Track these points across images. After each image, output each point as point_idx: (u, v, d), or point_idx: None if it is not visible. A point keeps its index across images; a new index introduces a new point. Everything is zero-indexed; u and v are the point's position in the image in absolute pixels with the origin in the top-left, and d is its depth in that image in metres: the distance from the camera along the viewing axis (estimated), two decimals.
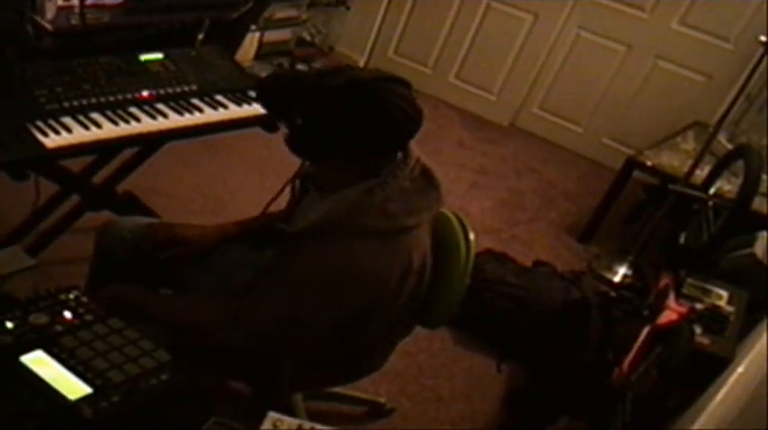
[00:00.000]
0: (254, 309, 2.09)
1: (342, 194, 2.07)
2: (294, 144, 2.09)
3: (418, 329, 2.49)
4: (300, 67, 6.07)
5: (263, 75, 5.45)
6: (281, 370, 2.28)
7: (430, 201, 2.17)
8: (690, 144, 4.92)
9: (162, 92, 2.77)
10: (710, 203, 4.16)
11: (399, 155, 2.12)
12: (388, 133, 2.02)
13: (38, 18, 2.57)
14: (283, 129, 2.14)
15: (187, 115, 2.76)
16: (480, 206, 4.86)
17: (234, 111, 2.89)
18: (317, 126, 2.01)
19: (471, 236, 2.37)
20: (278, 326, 2.08)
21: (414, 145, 2.16)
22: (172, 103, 2.76)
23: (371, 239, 2.03)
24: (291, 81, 2.15)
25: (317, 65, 6.20)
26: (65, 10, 2.63)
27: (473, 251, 2.38)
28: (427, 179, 2.17)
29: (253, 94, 2.98)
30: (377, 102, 1.98)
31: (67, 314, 1.75)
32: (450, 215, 2.38)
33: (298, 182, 2.33)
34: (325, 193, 2.16)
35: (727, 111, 4.13)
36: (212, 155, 4.41)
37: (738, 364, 2.75)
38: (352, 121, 1.98)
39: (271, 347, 2.18)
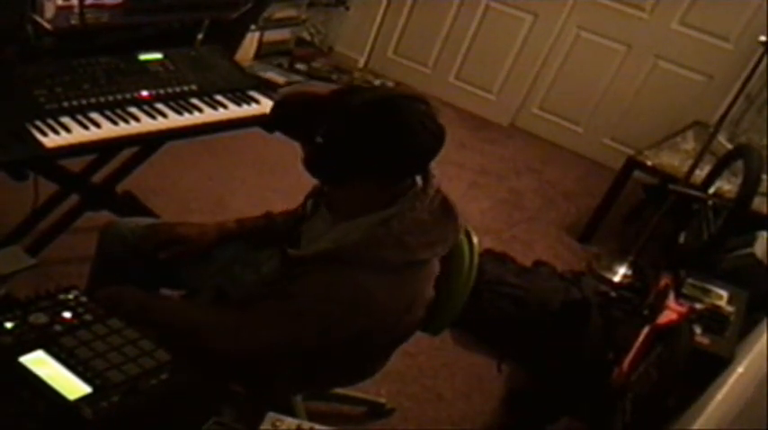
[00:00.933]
0: (254, 330, 2.05)
1: (357, 222, 2.00)
2: (313, 165, 2.05)
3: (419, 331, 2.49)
4: (300, 67, 6.08)
5: (266, 75, 5.48)
6: (277, 380, 2.27)
7: (447, 234, 2.10)
8: (690, 144, 4.92)
9: (161, 92, 2.77)
10: (710, 203, 4.16)
11: (419, 182, 2.06)
12: (412, 153, 1.96)
13: (37, 18, 2.57)
14: (299, 150, 2.08)
15: (187, 115, 2.75)
16: (480, 206, 4.86)
17: (233, 110, 2.89)
18: (338, 146, 1.95)
19: (475, 241, 2.36)
20: (276, 348, 2.05)
21: (435, 171, 2.10)
22: (171, 103, 2.76)
23: (384, 272, 1.98)
24: (310, 100, 2.11)
25: (317, 65, 6.21)
26: (64, 10, 2.63)
27: (477, 258, 2.37)
28: (445, 211, 2.10)
29: (253, 93, 2.98)
30: (401, 121, 1.92)
31: (67, 314, 1.74)
32: None
33: (311, 201, 2.29)
34: (338, 218, 2.08)
35: (727, 111, 4.13)
36: (212, 155, 4.41)
37: (738, 364, 2.75)
38: (375, 141, 1.92)
39: (267, 363, 2.16)
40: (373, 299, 1.99)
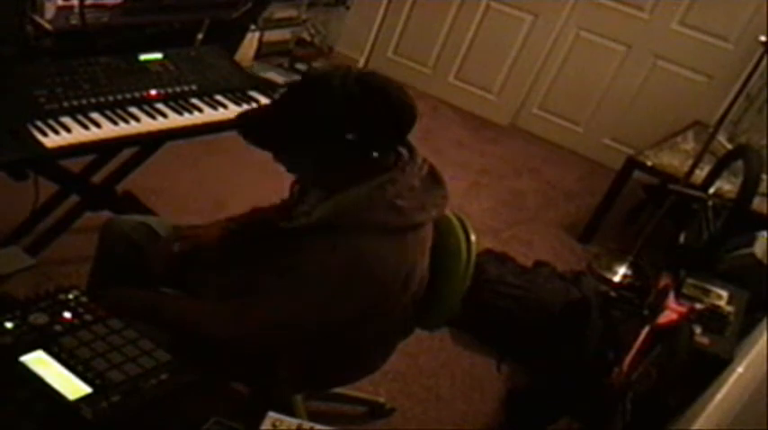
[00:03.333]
0: (255, 308, 2.06)
1: (350, 191, 2.03)
2: (297, 159, 2.12)
3: (418, 330, 2.49)
4: (300, 67, 6.08)
5: (267, 75, 5.47)
6: (279, 372, 2.27)
7: (437, 199, 2.15)
8: (690, 144, 4.92)
9: (161, 91, 2.77)
10: (710, 203, 4.16)
11: (405, 152, 2.11)
12: (396, 120, 2.03)
13: (37, 18, 2.57)
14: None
15: (186, 115, 2.76)
16: (480, 206, 4.86)
17: (233, 110, 2.88)
18: (328, 127, 2.00)
19: (473, 237, 2.37)
20: (279, 325, 2.06)
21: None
22: (171, 103, 2.76)
23: (381, 235, 2.01)
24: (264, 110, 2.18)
25: (317, 65, 6.21)
26: (64, 10, 2.63)
27: (474, 253, 2.37)
28: (434, 178, 2.16)
29: (253, 93, 2.99)
30: (384, 94, 2.00)
31: (67, 314, 1.75)
32: (452, 217, 2.37)
33: (297, 187, 2.31)
34: (331, 192, 2.10)
35: (727, 111, 4.13)
36: (212, 155, 4.41)
37: (738, 364, 2.75)
38: (364, 115, 1.98)
39: (268, 348, 2.17)
40: (372, 262, 2.01)
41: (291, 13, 5.83)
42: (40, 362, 1.59)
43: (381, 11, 6.36)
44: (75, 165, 2.98)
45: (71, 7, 2.64)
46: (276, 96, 2.18)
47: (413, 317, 2.33)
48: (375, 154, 2.03)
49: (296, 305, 2.04)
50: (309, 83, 2.11)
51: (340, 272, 1.99)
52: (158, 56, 2.89)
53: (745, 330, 3.08)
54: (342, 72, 2.02)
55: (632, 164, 4.61)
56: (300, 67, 6.09)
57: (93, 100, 2.57)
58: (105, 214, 3.11)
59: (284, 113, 2.08)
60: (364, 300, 2.08)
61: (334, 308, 2.05)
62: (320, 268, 2.00)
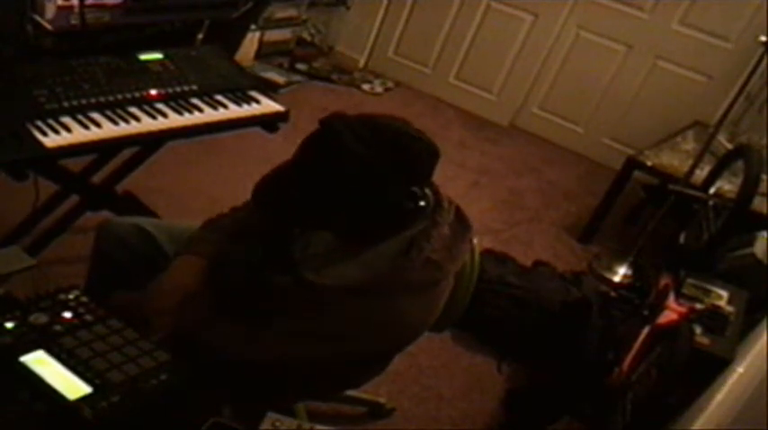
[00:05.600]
0: (272, 344, 2.02)
1: (380, 249, 1.97)
2: (334, 222, 2.02)
3: None
4: (301, 67, 6.08)
5: (267, 75, 5.46)
6: (287, 386, 2.25)
7: (466, 244, 2.12)
8: (690, 144, 4.92)
9: (162, 92, 2.76)
10: (710, 203, 4.16)
11: (430, 195, 2.03)
12: (414, 168, 1.94)
13: (38, 18, 2.57)
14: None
15: (187, 115, 2.75)
16: (480, 206, 4.86)
17: (234, 110, 2.88)
18: (350, 192, 1.90)
19: (475, 241, 2.35)
20: (292, 360, 2.03)
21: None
22: (172, 103, 2.76)
23: (417, 293, 1.98)
24: (277, 178, 2.03)
25: (317, 65, 6.21)
26: (64, 10, 2.63)
27: (478, 258, 2.36)
28: (462, 222, 2.10)
29: (253, 93, 2.99)
30: (395, 141, 1.89)
31: (67, 314, 1.74)
32: None
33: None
34: (354, 244, 2.03)
35: (727, 111, 4.13)
36: (212, 155, 4.41)
37: (738, 364, 2.75)
38: (379, 169, 1.87)
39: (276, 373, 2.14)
40: (407, 319, 2.00)
41: (292, 12, 5.84)
42: (41, 362, 1.58)
43: (382, 11, 6.36)
44: (74, 164, 2.98)
45: (71, 7, 2.64)
46: (292, 171, 2.01)
47: None
48: (402, 204, 1.95)
49: (322, 351, 2.00)
50: (324, 152, 1.92)
51: (372, 330, 1.97)
52: (158, 56, 2.89)
53: (746, 330, 3.08)
54: (350, 126, 1.89)
55: (632, 164, 4.61)
56: (301, 66, 6.10)
57: (93, 100, 2.57)
58: (105, 214, 3.11)
59: (305, 189, 1.95)
60: (391, 347, 2.13)
61: (356, 355, 2.05)
62: (355, 329, 1.96)
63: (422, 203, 1.98)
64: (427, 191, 2.02)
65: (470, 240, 2.15)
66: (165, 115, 2.69)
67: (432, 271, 1.97)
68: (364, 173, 1.87)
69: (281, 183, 2.02)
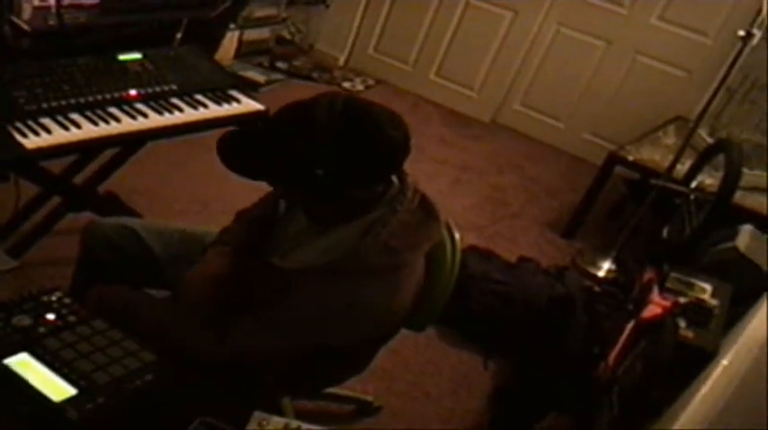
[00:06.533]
0: (242, 337, 2.05)
1: (341, 233, 2.01)
2: (293, 192, 2.10)
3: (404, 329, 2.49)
4: (281, 65, 6.07)
5: (247, 74, 5.45)
6: (264, 378, 2.26)
7: (430, 234, 2.11)
8: (671, 138, 4.94)
9: (141, 92, 2.75)
10: (692, 197, 4.18)
11: (396, 183, 2.06)
12: (387, 155, 1.96)
13: (14, 18, 2.55)
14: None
15: (167, 115, 2.74)
16: (463, 203, 4.86)
17: (214, 110, 2.88)
18: (317, 164, 1.92)
19: (457, 236, 2.36)
20: (265, 354, 2.07)
21: (407, 171, 2.10)
22: (152, 103, 2.75)
23: (375, 277, 1.99)
24: (246, 134, 2.12)
25: (297, 63, 6.20)
26: (41, 10, 2.61)
27: (459, 252, 2.36)
28: (426, 210, 2.11)
29: (233, 93, 2.98)
30: (372, 126, 1.92)
31: (51, 316, 1.73)
32: None
33: (281, 202, 2.29)
34: (320, 228, 2.08)
35: (707, 105, 4.15)
36: (194, 155, 4.39)
37: (723, 357, 2.75)
38: (352, 150, 1.91)
39: (250, 368, 2.17)
40: (367, 304, 2.00)
41: (271, 11, 5.82)
42: (24, 365, 1.57)
43: (361, 8, 6.37)
44: (55, 166, 2.96)
45: (48, 7, 2.62)
46: (260, 124, 2.11)
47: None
48: (364, 188, 1.99)
49: (286, 338, 2.04)
50: (294, 114, 2.00)
51: (331, 313, 1.99)
52: (137, 56, 2.87)
53: (730, 323, 3.10)
54: (328, 100, 1.94)
55: (614, 159, 4.62)
56: (281, 65, 6.09)
57: (72, 101, 2.56)
58: (88, 215, 3.09)
59: (267, 145, 2.02)
60: (358, 334, 2.10)
61: (320, 341, 2.07)
62: (315, 311, 1.99)
63: (381, 189, 2.02)
64: (393, 178, 2.07)
65: (437, 229, 2.14)
66: (145, 115, 2.68)
67: (389, 256, 1.99)
68: (337, 150, 1.91)
69: (247, 134, 2.17)
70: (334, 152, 1.91)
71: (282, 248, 2.14)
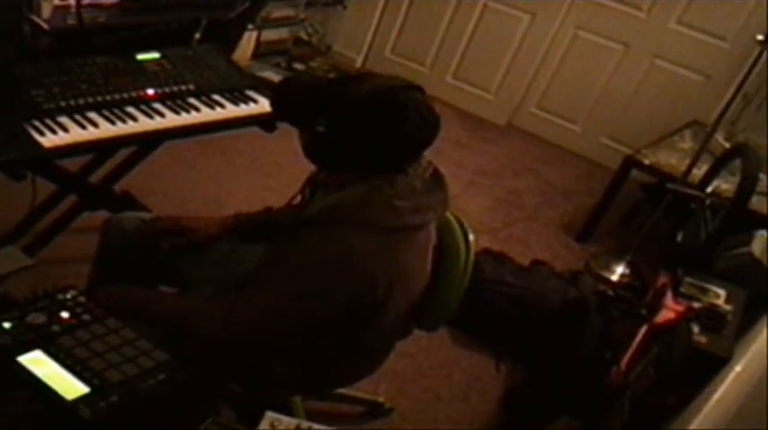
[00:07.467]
0: (246, 302, 2.05)
1: (349, 189, 2.03)
2: (313, 152, 2.10)
3: (417, 329, 2.49)
4: (298, 66, 6.08)
5: (264, 75, 5.47)
6: (276, 373, 2.26)
7: (436, 202, 2.12)
8: (687, 143, 4.92)
9: (159, 91, 2.76)
10: (708, 202, 4.16)
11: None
12: (409, 141, 2.01)
13: (34, 18, 2.57)
14: (296, 136, 2.13)
15: (184, 114, 2.75)
16: (478, 205, 4.86)
17: (231, 110, 2.88)
18: (339, 134, 1.99)
19: (471, 238, 2.36)
20: (264, 319, 2.04)
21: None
22: (169, 103, 2.76)
23: (371, 232, 1.99)
24: (311, 88, 2.13)
25: (315, 64, 6.21)
26: (61, 9, 2.63)
27: (473, 253, 2.36)
28: (436, 180, 2.14)
29: (251, 93, 2.98)
30: (399, 110, 1.97)
31: (65, 314, 1.74)
32: (451, 217, 2.36)
33: (308, 189, 2.31)
34: (334, 186, 2.11)
35: (725, 110, 4.13)
36: (210, 154, 4.41)
37: (736, 363, 2.75)
38: (375, 130, 1.97)
39: (260, 346, 2.15)
40: (361, 257, 1.98)
41: (289, 12, 5.83)
42: (38, 363, 1.58)
43: (379, 10, 6.36)
44: (72, 164, 2.98)
45: (68, 7, 2.64)
46: (323, 82, 2.18)
47: (411, 318, 2.33)
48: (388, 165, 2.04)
49: (281, 297, 2.02)
50: (341, 82, 2.09)
51: (326, 264, 1.99)
52: (156, 55, 2.88)
53: (743, 329, 3.09)
54: (377, 79, 2.04)
55: (630, 163, 4.60)
56: (298, 66, 6.09)
57: (90, 99, 2.57)
58: (103, 214, 3.11)
59: (316, 102, 2.05)
60: (349, 294, 2.04)
61: (319, 300, 2.03)
62: (307, 259, 2.00)
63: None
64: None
65: (443, 201, 2.16)
66: (162, 115, 2.69)
67: (389, 213, 2.00)
68: (362, 125, 1.98)
69: (300, 83, 2.27)
70: (362, 130, 1.98)
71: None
